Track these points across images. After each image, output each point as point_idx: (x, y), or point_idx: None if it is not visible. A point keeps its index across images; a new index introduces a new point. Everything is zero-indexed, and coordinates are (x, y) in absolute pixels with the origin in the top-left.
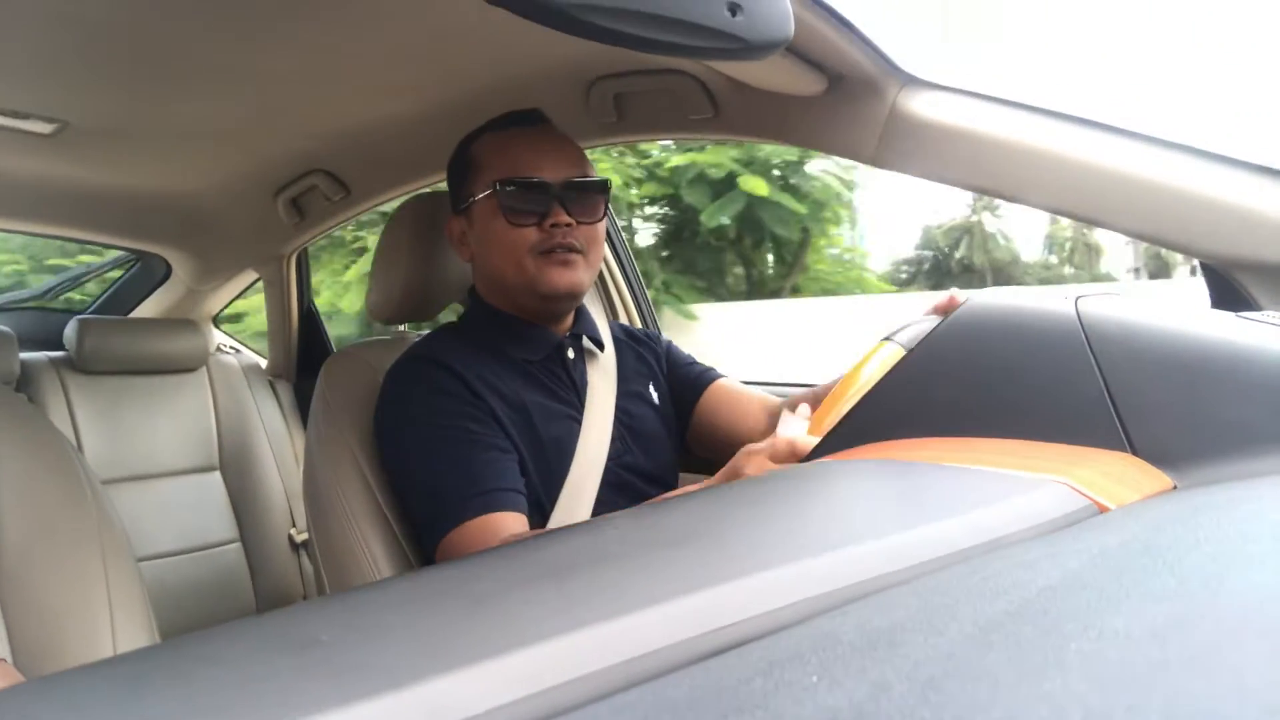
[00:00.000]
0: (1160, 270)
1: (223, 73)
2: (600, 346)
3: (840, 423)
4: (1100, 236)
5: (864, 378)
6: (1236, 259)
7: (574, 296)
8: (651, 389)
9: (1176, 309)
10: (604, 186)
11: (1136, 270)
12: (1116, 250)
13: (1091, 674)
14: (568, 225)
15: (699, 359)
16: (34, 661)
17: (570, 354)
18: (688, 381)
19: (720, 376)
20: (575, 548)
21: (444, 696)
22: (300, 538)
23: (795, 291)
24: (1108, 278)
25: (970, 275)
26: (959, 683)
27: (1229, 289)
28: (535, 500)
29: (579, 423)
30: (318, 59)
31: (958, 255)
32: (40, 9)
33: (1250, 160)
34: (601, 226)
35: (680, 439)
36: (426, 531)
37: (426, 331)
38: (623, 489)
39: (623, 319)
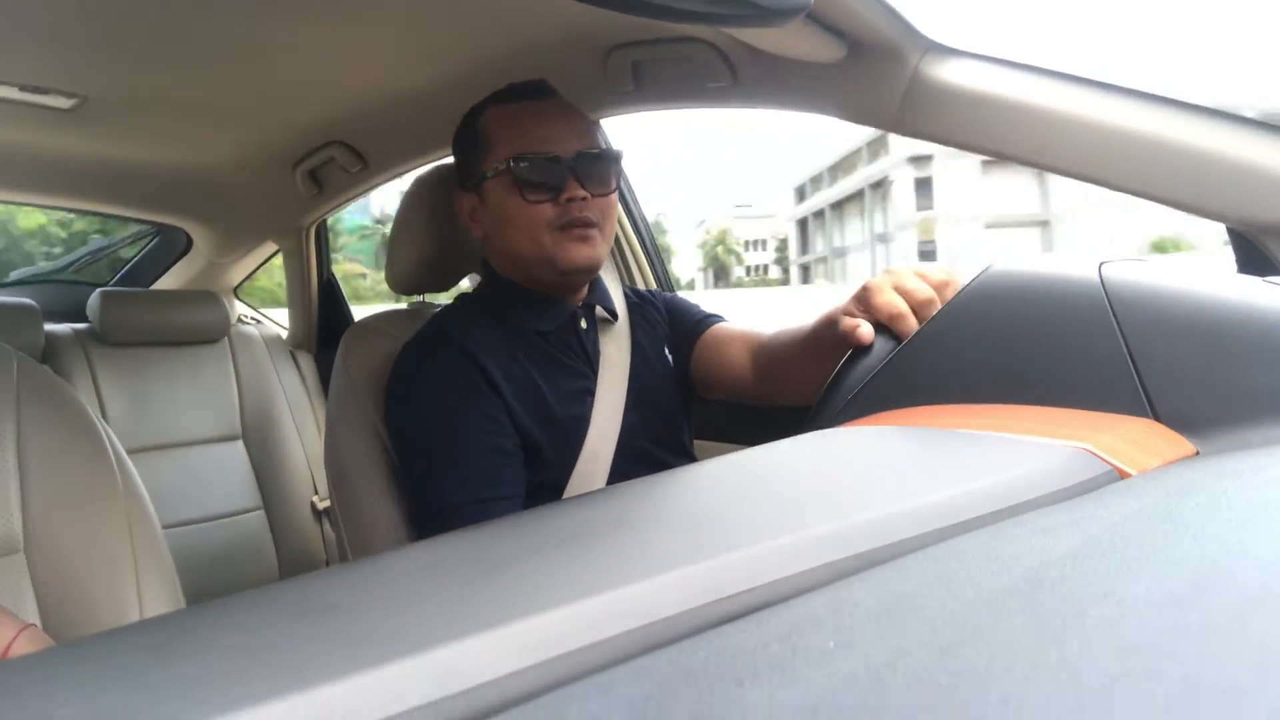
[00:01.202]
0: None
1: (240, 45)
2: (614, 315)
3: (861, 389)
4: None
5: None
6: (1264, 223)
7: (591, 271)
8: (666, 351)
9: (1202, 273)
10: (616, 157)
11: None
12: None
13: (1111, 641)
14: (583, 199)
15: None
16: (63, 627)
17: (584, 324)
18: (686, 329)
19: (719, 320)
20: (593, 514)
21: (460, 661)
22: (322, 505)
23: None
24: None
25: None
26: (977, 649)
27: (1256, 254)
28: (551, 477)
29: (593, 395)
30: (335, 30)
31: None
32: None
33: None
34: (615, 197)
35: (692, 392)
36: (415, 524)
37: (443, 304)
38: (638, 458)
39: (639, 284)
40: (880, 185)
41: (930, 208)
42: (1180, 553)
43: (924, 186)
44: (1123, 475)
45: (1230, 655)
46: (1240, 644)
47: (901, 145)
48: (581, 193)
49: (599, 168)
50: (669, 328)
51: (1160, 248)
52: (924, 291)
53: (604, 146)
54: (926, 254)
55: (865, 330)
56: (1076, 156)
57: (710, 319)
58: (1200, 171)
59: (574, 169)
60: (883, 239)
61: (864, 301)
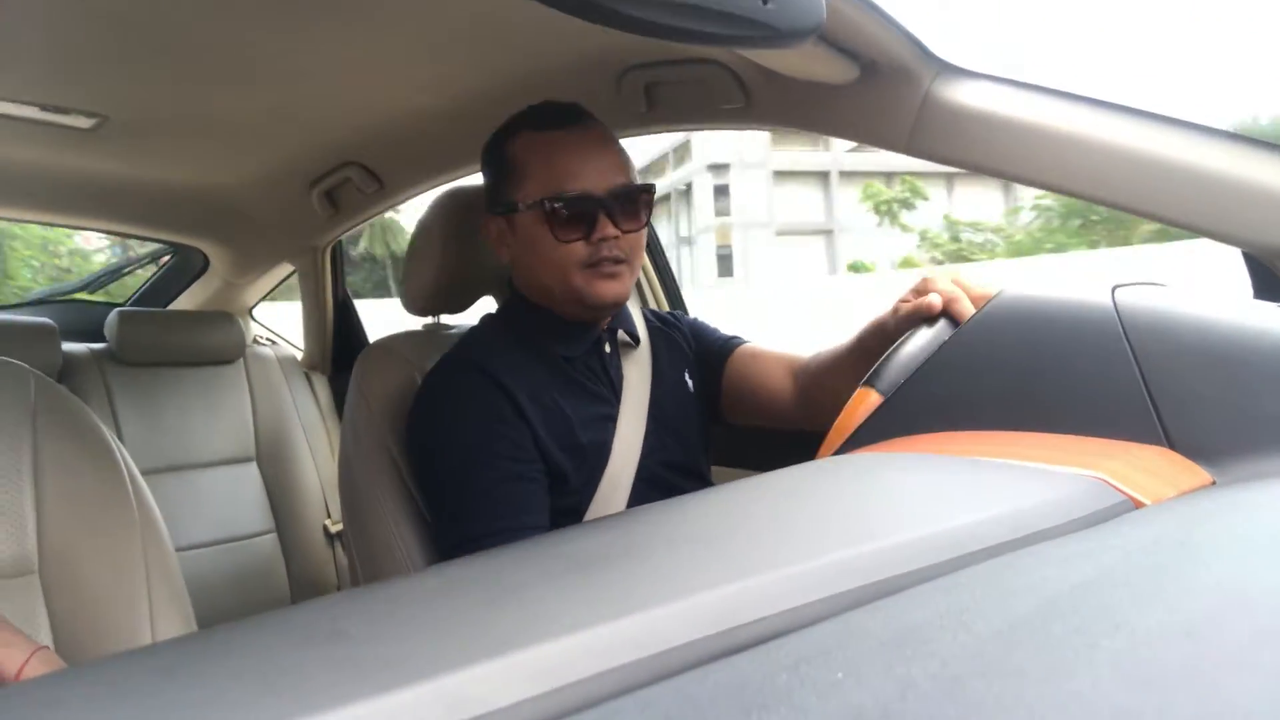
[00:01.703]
0: None
1: (258, 67)
2: (636, 340)
3: (871, 415)
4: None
5: (847, 425)
6: (1279, 248)
7: (618, 306)
8: (686, 375)
9: (1217, 300)
10: (649, 191)
11: None
12: None
13: (1122, 673)
14: (615, 238)
15: None
16: (75, 648)
17: (607, 349)
18: (713, 352)
19: (745, 342)
20: (603, 541)
21: (468, 689)
22: (335, 529)
23: None
24: None
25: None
26: (987, 681)
27: (1272, 279)
28: (572, 502)
29: (615, 420)
30: (351, 52)
31: (360, 248)
32: (79, 5)
33: None
34: (645, 232)
35: (716, 414)
36: (440, 552)
37: (458, 328)
38: (656, 484)
39: (651, 304)
40: (687, 191)
41: (728, 214)
42: (1194, 585)
43: (722, 193)
44: (1137, 505)
45: (1242, 689)
46: (1253, 677)
47: (703, 152)
48: (614, 231)
49: (631, 204)
50: (694, 352)
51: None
52: (978, 289)
53: (635, 180)
54: (724, 258)
55: (934, 299)
56: (1090, 179)
57: (736, 339)
58: (1216, 195)
59: (606, 207)
60: (687, 242)
61: (922, 290)
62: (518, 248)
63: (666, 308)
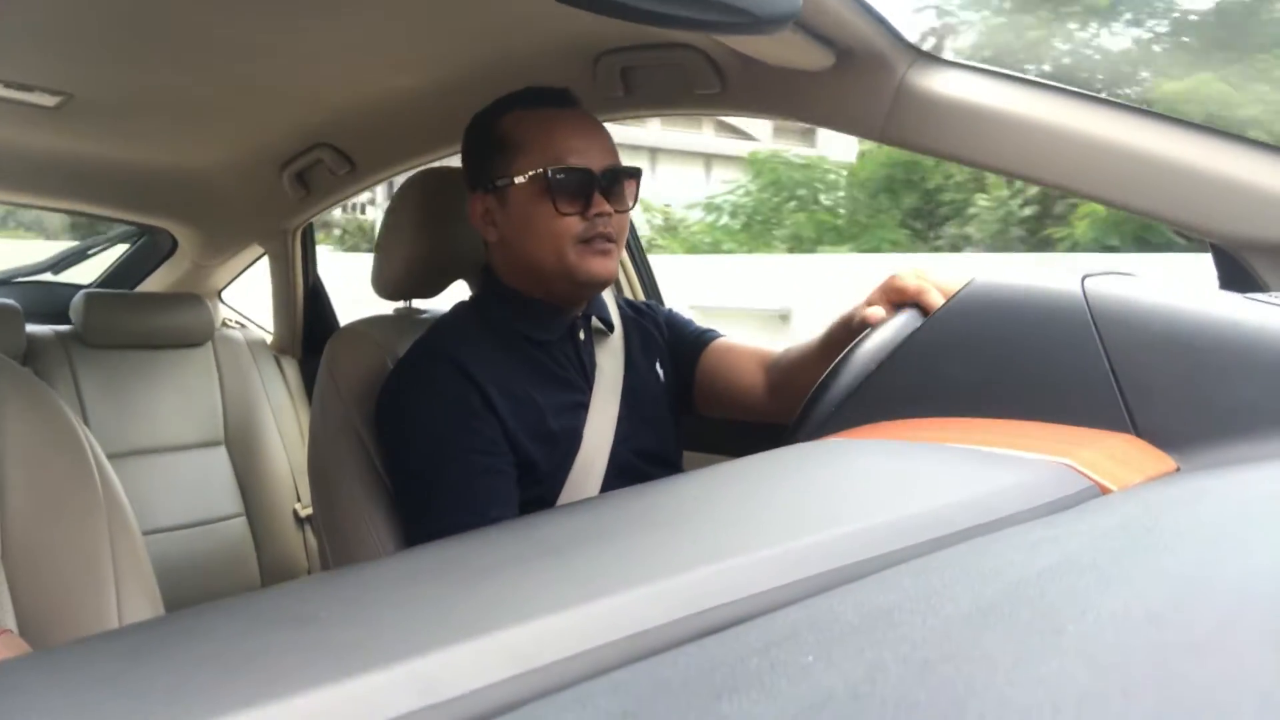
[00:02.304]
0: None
1: (228, 46)
2: (610, 327)
3: (842, 402)
4: None
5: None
6: (1246, 239)
7: (606, 284)
8: (658, 365)
9: (1184, 290)
10: (637, 174)
11: None
12: None
13: (1088, 657)
14: (609, 215)
15: None
16: (40, 633)
17: (581, 335)
18: (687, 344)
19: (719, 335)
20: (574, 525)
21: (439, 672)
22: (305, 513)
23: None
24: None
25: None
26: (955, 664)
27: (1238, 270)
28: (543, 491)
29: (586, 408)
30: (323, 33)
31: None
32: None
33: (1261, 139)
34: (629, 216)
35: (688, 406)
36: (408, 541)
37: (428, 313)
38: (628, 472)
39: (627, 294)
40: None
41: None
42: (1159, 570)
43: None
44: (1103, 491)
45: (1207, 673)
46: (1217, 661)
47: None
48: (608, 208)
49: (623, 184)
50: (666, 343)
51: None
52: (945, 283)
53: (624, 163)
54: None
55: (874, 311)
56: (1061, 168)
57: (710, 333)
58: (1184, 186)
59: (601, 185)
60: None
61: (890, 287)
62: (507, 225)
63: (643, 297)
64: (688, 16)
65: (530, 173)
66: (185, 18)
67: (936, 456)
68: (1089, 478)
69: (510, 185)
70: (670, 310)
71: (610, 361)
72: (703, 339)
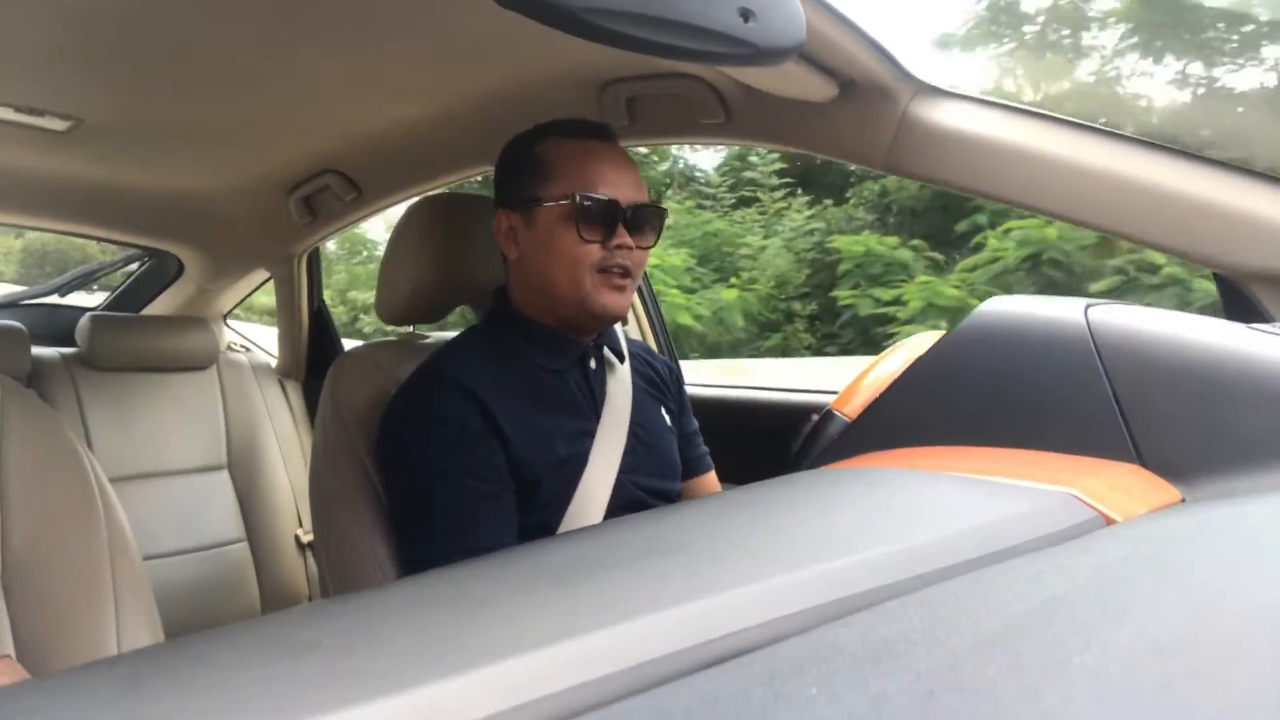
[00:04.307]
0: None
1: (237, 73)
2: (620, 358)
3: (847, 430)
4: None
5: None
6: (1250, 270)
7: (617, 320)
8: (664, 411)
9: (1188, 320)
10: (663, 214)
11: None
12: None
13: (1093, 689)
14: (630, 248)
15: None
16: (39, 658)
17: (592, 364)
18: (683, 459)
19: (710, 469)
20: (578, 553)
21: (440, 702)
22: (306, 538)
23: None
24: None
25: None
26: (960, 697)
27: (1242, 300)
28: (544, 517)
29: (593, 436)
30: (332, 61)
31: None
32: (56, 7)
33: (1265, 169)
34: (647, 254)
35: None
36: (403, 566)
37: (432, 338)
38: (633, 502)
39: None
40: None
41: None
42: (1164, 602)
43: None
44: (1108, 521)
45: (1212, 706)
46: (1222, 694)
47: None
48: (629, 241)
49: (648, 222)
50: (676, 405)
51: None
52: None
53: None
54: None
55: None
56: (1065, 199)
57: (705, 461)
58: (1188, 217)
59: (626, 218)
60: None
61: None
62: (529, 244)
63: (652, 344)
64: (692, 49)
65: (560, 196)
66: (195, 45)
67: (941, 485)
68: (1094, 508)
69: (539, 205)
70: (685, 392)
71: (620, 393)
72: (698, 466)
